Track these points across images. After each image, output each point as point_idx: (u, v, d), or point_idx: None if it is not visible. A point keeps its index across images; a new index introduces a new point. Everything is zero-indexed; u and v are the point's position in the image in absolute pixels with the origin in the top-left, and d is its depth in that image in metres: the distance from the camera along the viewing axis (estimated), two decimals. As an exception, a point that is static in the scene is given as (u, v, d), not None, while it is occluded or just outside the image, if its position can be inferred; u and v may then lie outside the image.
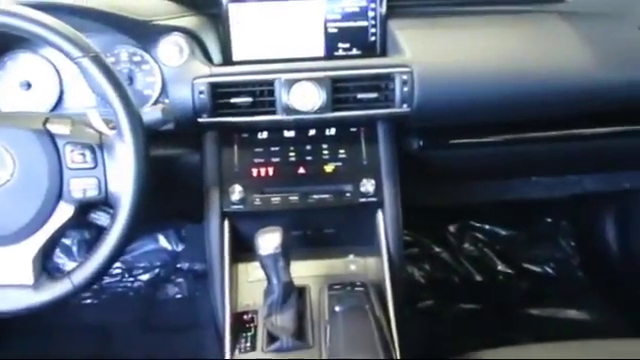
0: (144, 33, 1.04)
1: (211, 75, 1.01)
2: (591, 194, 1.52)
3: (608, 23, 1.15)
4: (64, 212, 0.83)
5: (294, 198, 1.05)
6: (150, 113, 0.89)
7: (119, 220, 0.82)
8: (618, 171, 1.46)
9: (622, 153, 1.31)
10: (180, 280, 1.78)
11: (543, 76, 1.06)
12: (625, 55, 1.10)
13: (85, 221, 0.88)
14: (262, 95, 1.03)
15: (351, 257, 1.10)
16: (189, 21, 1.09)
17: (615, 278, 1.70)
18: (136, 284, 1.78)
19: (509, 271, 1.82)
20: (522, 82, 1.06)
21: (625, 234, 1.66)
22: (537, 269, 1.84)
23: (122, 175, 0.82)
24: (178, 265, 1.81)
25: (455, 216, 1.89)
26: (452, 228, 1.89)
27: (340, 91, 1.04)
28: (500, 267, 1.83)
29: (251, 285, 1.05)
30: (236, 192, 1.04)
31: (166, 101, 1.06)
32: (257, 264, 0.93)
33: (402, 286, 1.06)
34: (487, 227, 1.89)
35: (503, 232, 1.89)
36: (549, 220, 1.90)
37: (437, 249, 1.85)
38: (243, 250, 1.06)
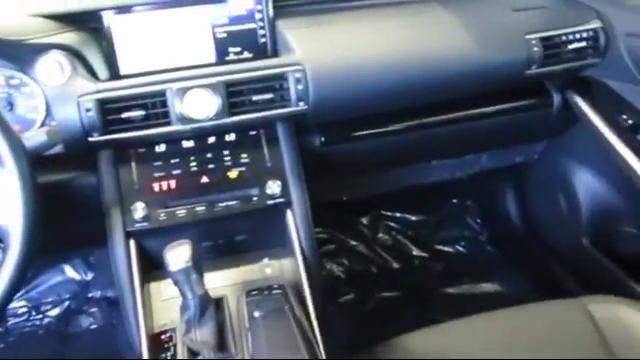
0: (19, 53, 0.98)
1: (97, 91, 0.97)
2: (489, 171, 1.60)
3: (484, 7, 1.21)
4: (-54, 253, 0.77)
5: (200, 209, 1.02)
6: (33, 137, 0.84)
7: (11, 255, 0.76)
8: (511, 146, 1.54)
9: (511, 129, 1.38)
10: (93, 310, 1.70)
11: (429, 62, 1.10)
12: (501, 36, 1.16)
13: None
14: (154, 107, 1.00)
15: (266, 261, 1.09)
16: (68, 37, 1.03)
17: (521, 247, 1.79)
18: (45, 321, 1.68)
19: (424, 255, 1.87)
20: (410, 70, 1.10)
21: (524, 205, 1.75)
22: (449, 249, 1.91)
23: (8, 206, 0.76)
24: (89, 294, 1.73)
25: (366, 208, 1.92)
26: (365, 220, 1.92)
27: (235, 95, 1.02)
28: (415, 252, 1.87)
29: (166, 303, 1.01)
30: (139, 210, 1.00)
31: (53, 123, 1.00)
32: (170, 281, 0.90)
33: (320, 283, 1.07)
34: (398, 215, 1.93)
35: (414, 218, 1.94)
36: (455, 201, 1.98)
37: (353, 242, 1.87)
38: (153, 268, 1.02)
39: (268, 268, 1.08)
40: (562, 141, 1.49)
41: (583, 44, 1.20)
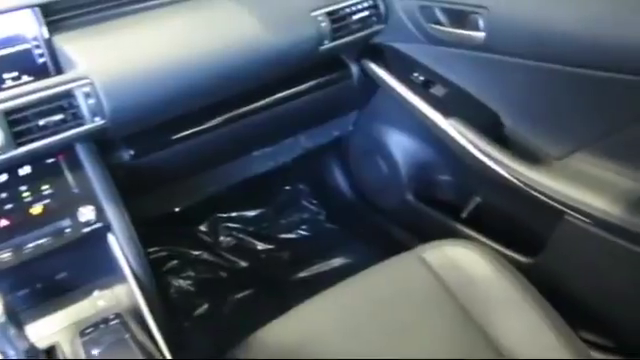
0: None
1: None
2: (311, 151, 1.63)
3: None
4: None
5: (5, 255, 0.91)
6: None
7: None
8: (325, 123, 1.58)
9: (320, 106, 1.42)
10: None
11: (222, 55, 1.09)
12: (288, 17, 1.18)
13: None
14: None
15: (96, 293, 1.01)
16: None
17: (357, 217, 1.85)
18: None
19: (269, 247, 1.86)
20: (204, 65, 1.07)
21: (351, 177, 1.82)
22: (293, 236, 1.91)
23: None
24: None
25: (201, 214, 1.87)
26: (203, 227, 1.86)
27: (18, 123, 0.93)
28: (259, 246, 1.86)
29: None
30: None
31: None
32: (-13, 346, 0.79)
33: (161, 302, 1.01)
34: (235, 214, 1.90)
35: (251, 213, 1.92)
36: (287, 188, 2.00)
37: (195, 253, 1.81)
38: None
39: (100, 300, 1.00)
40: (370, 108, 1.56)
41: (366, 13, 1.26)
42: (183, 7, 1.14)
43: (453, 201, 1.46)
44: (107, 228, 0.99)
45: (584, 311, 1.15)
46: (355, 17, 1.25)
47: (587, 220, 1.05)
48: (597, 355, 1.16)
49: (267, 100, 1.30)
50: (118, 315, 0.92)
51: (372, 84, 1.41)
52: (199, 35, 1.09)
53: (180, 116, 1.15)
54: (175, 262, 1.78)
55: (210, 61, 1.08)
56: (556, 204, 1.09)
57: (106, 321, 0.91)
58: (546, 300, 1.02)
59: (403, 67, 1.34)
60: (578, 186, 1.06)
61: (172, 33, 1.08)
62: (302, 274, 1.78)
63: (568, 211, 1.08)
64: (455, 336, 0.99)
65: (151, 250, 1.75)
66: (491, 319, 1.00)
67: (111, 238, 0.99)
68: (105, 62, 1.00)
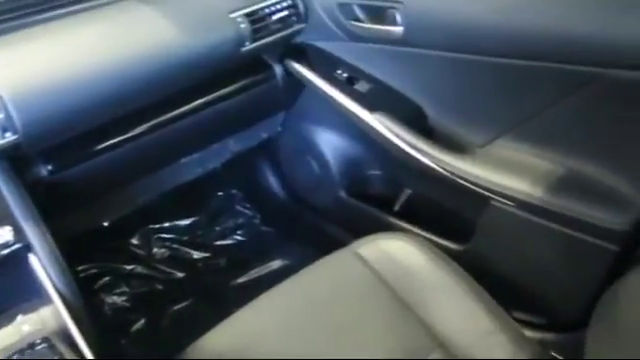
0: None
1: None
2: (241, 154, 1.61)
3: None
4: None
5: None
6: None
7: None
8: (253, 125, 1.56)
9: (246, 108, 1.40)
10: None
11: (140, 61, 1.07)
12: (206, 19, 1.18)
13: None
14: None
15: (20, 318, 0.95)
16: None
17: (292, 218, 1.85)
18: None
19: (205, 255, 1.82)
20: (122, 72, 1.05)
21: (284, 178, 1.81)
22: (229, 242, 1.88)
23: None
24: None
25: (132, 227, 1.81)
26: (134, 240, 1.80)
27: None
28: (195, 255, 1.82)
29: None
30: None
31: None
32: None
33: (90, 321, 0.97)
34: (167, 224, 1.85)
35: (184, 222, 1.88)
36: (220, 194, 1.96)
37: (129, 267, 1.75)
38: None
39: (25, 325, 0.94)
40: (297, 108, 1.56)
41: (285, 13, 1.26)
42: (95, 14, 1.10)
43: (385, 195, 1.48)
44: (27, 248, 0.94)
45: (515, 292, 1.18)
46: (274, 17, 1.24)
47: (511, 204, 1.09)
48: (531, 334, 1.20)
49: (191, 105, 1.27)
50: (45, 339, 0.87)
51: (297, 84, 1.41)
52: (113, 42, 1.05)
53: (101, 126, 1.11)
54: (107, 278, 1.71)
55: (126, 68, 1.05)
56: (482, 190, 1.12)
57: (32, 346, 0.86)
58: (479, 285, 1.05)
59: (326, 65, 1.34)
60: (501, 171, 1.10)
61: (84, 41, 1.04)
62: (240, 280, 1.75)
63: (493, 196, 1.11)
64: (395, 328, 1.00)
65: (81, 268, 1.68)
66: (428, 308, 1.02)
67: (32, 258, 0.94)
68: (13, 74, 0.95)
